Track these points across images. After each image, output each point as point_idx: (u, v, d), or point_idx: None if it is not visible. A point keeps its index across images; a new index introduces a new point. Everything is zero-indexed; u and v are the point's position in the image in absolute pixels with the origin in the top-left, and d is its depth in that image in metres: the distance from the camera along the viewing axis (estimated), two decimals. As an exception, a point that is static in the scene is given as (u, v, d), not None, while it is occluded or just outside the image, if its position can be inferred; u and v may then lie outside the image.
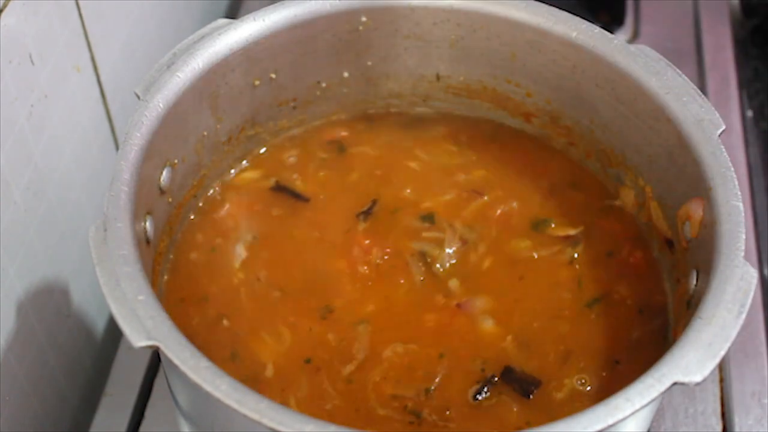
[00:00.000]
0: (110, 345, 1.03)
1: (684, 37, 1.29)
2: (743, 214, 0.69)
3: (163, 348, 0.61)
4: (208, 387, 0.59)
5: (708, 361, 0.61)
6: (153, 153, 0.74)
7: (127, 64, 1.02)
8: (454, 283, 0.79)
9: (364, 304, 0.78)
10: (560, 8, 0.84)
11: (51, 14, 0.84)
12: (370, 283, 0.80)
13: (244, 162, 0.89)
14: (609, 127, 0.84)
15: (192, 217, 0.84)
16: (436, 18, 0.87)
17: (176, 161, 0.80)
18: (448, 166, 0.89)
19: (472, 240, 0.83)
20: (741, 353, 0.96)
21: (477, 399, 0.72)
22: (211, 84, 0.81)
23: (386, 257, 0.81)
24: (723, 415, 0.91)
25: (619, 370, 0.74)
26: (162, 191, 0.78)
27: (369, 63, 0.90)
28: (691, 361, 0.61)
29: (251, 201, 0.86)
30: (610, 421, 0.59)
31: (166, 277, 0.80)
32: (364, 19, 0.86)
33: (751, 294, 0.65)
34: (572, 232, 0.83)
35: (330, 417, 0.71)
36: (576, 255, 0.81)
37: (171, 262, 0.81)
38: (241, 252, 0.82)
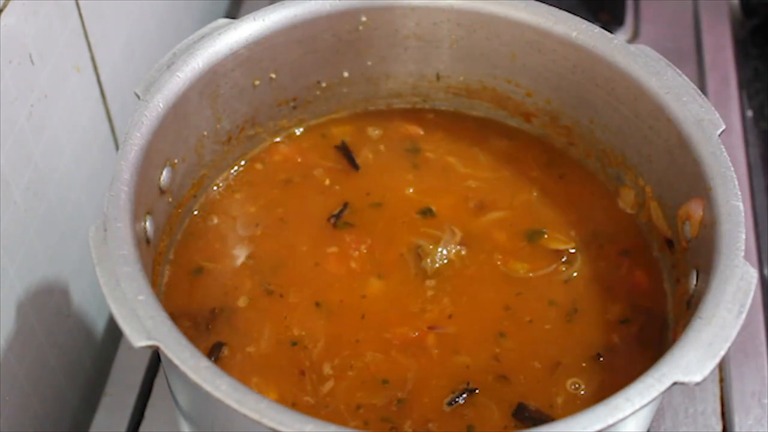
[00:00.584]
0: (110, 345, 1.03)
1: (684, 37, 1.29)
2: (743, 214, 0.69)
3: (163, 348, 0.61)
4: (208, 387, 0.59)
5: (708, 361, 0.61)
6: (153, 153, 0.74)
7: (127, 64, 1.02)
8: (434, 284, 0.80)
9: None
10: (560, 8, 0.84)
11: (51, 14, 0.84)
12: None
13: (243, 162, 0.89)
14: (609, 127, 0.84)
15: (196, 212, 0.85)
16: (436, 18, 0.87)
17: (176, 161, 0.80)
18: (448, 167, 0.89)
19: (466, 242, 0.83)
20: (741, 353, 0.96)
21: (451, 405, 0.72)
22: (211, 84, 0.81)
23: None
24: (723, 415, 0.91)
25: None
26: (162, 191, 0.78)
27: (369, 63, 0.90)
28: (691, 361, 0.61)
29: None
30: (610, 421, 0.59)
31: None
32: (364, 19, 0.86)
33: (751, 294, 0.65)
34: (566, 247, 0.82)
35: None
36: (575, 274, 0.81)
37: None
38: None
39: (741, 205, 0.69)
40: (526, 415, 0.71)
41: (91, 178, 0.96)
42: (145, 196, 0.73)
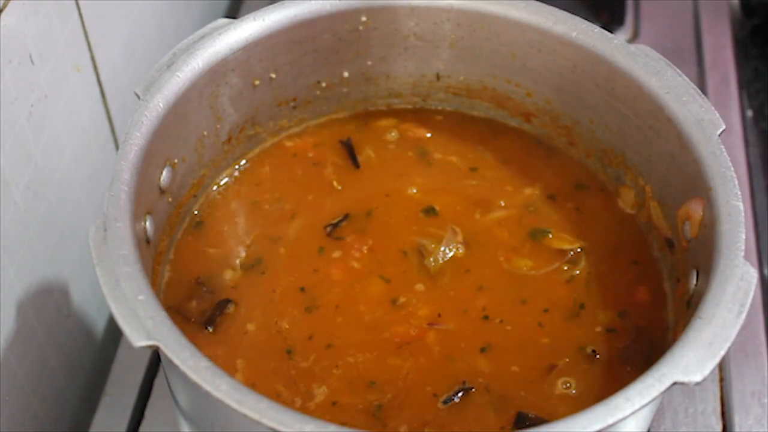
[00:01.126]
0: (110, 345, 1.03)
1: (684, 37, 1.29)
2: (743, 214, 0.69)
3: (163, 348, 0.61)
4: (208, 387, 0.59)
5: (708, 360, 0.61)
6: (153, 153, 0.74)
7: (127, 64, 1.02)
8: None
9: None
10: (560, 8, 0.84)
11: (51, 14, 0.84)
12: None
13: (243, 161, 0.89)
14: (609, 127, 0.84)
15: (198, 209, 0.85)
16: (436, 18, 0.87)
17: (176, 161, 0.80)
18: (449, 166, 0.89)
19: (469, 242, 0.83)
20: (741, 353, 0.96)
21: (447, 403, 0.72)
22: (211, 84, 0.81)
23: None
24: (723, 414, 0.91)
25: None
26: (162, 191, 0.78)
27: (369, 63, 0.90)
28: (691, 360, 0.61)
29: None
30: (610, 421, 0.59)
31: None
32: (364, 18, 0.86)
33: (751, 294, 0.65)
34: (570, 247, 0.82)
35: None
36: (577, 272, 0.81)
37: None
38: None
39: (741, 205, 0.69)
40: (526, 423, 0.71)
41: (91, 178, 0.96)
42: (145, 196, 0.73)
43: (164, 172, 0.78)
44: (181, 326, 0.63)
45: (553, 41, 0.84)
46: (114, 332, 1.04)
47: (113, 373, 0.96)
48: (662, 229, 0.80)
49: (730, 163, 0.72)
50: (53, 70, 0.85)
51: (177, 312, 0.77)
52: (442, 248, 0.81)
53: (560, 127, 0.89)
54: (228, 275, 0.80)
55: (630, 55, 0.80)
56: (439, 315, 0.78)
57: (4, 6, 0.76)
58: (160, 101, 0.75)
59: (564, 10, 0.84)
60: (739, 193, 0.70)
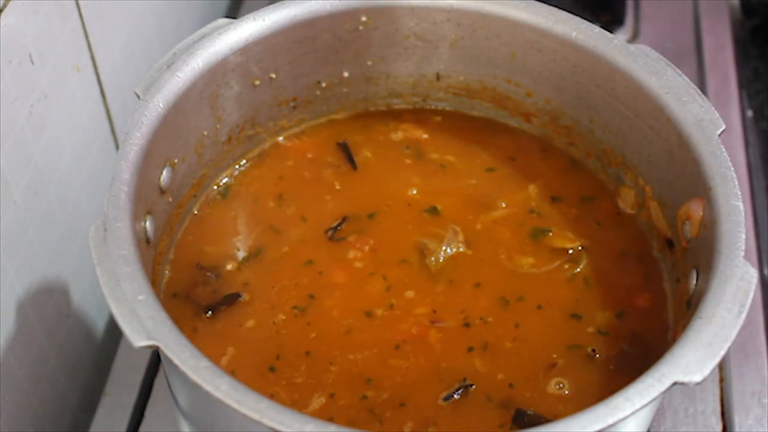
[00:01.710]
0: (110, 345, 1.03)
1: (684, 37, 1.29)
2: (743, 214, 0.69)
3: (163, 348, 0.61)
4: (208, 387, 0.59)
5: (708, 361, 0.61)
6: (153, 153, 0.74)
7: (127, 64, 1.02)
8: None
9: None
10: (560, 8, 0.84)
11: (51, 14, 0.84)
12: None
13: (243, 161, 0.89)
14: (609, 127, 0.84)
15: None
16: (436, 18, 0.87)
17: (176, 161, 0.80)
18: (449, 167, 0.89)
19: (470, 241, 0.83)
20: (741, 353, 0.96)
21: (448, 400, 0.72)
22: (211, 84, 0.81)
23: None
24: (723, 415, 0.91)
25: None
26: (162, 191, 0.78)
27: (369, 63, 0.90)
28: (691, 361, 0.61)
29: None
30: (610, 421, 0.59)
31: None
32: (364, 18, 0.86)
33: (751, 294, 0.65)
34: (571, 245, 0.82)
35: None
36: (577, 270, 0.81)
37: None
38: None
39: (741, 205, 0.69)
40: (525, 420, 0.71)
41: (91, 178, 0.96)
42: (145, 196, 0.73)
43: (164, 172, 0.78)
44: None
45: (553, 41, 0.84)
46: (114, 332, 1.04)
47: (113, 373, 0.96)
48: (662, 229, 0.80)
49: (730, 163, 0.72)
50: (53, 70, 0.85)
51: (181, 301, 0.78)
52: (444, 247, 0.81)
53: (560, 127, 0.89)
54: (227, 276, 0.80)
55: (630, 55, 0.80)
56: (435, 311, 0.78)
57: (4, 6, 0.76)
58: (160, 101, 0.75)
59: (564, 10, 0.84)
60: (739, 193, 0.70)
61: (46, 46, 0.84)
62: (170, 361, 0.60)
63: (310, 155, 0.90)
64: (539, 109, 0.90)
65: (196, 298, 0.78)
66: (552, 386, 0.73)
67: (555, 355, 0.75)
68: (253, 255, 0.82)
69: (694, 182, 0.73)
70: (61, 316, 0.92)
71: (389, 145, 0.91)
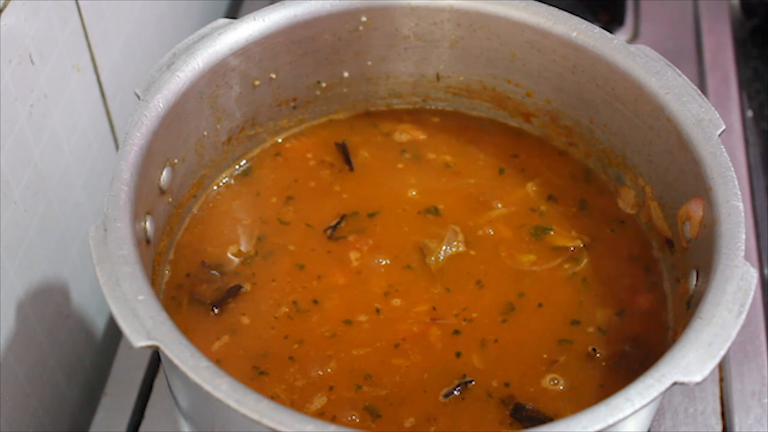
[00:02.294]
0: (110, 345, 1.03)
1: (684, 37, 1.29)
2: (743, 214, 0.69)
3: (163, 348, 0.61)
4: (208, 387, 0.59)
5: (708, 361, 0.61)
6: (153, 153, 0.74)
7: (127, 64, 1.02)
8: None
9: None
10: (560, 8, 0.84)
11: (51, 14, 0.84)
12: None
13: (243, 162, 0.89)
14: (609, 127, 0.84)
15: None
16: (436, 18, 0.87)
17: (176, 161, 0.80)
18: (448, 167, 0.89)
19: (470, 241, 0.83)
20: (741, 353, 0.96)
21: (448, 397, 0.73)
22: (211, 84, 0.81)
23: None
24: (723, 414, 0.91)
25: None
26: (162, 191, 0.78)
27: (369, 63, 0.90)
28: (691, 361, 0.61)
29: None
30: (610, 421, 0.59)
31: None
32: (364, 19, 0.86)
33: (751, 294, 0.65)
34: (572, 244, 0.82)
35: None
36: (577, 269, 0.81)
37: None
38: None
39: (741, 205, 0.69)
40: (523, 414, 0.71)
41: (91, 178, 0.96)
42: (145, 196, 0.73)
43: (164, 172, 0.78)
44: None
45: (553, 41, 0.84)
46: (114, 332, 1.04)
47: (113, 373, 0.96)
48: (662, 229, 0.80)
49: (730, 163, 0.72)
50: (53, 70, 0.85)
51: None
52: (444, 247, 0.82)
53: (560, 127, 0.89)
54: (227, 276, 0.81)
55: (630, 55, 0.80)
56: (435, 309, 0.78)
57: (4, 6, 0.76)
58: (160, 101, 0.75)
59: (564, 10, 0.84)
60: (739, 193, 0.70)
61: (46, 46, 0.84)
62: (170, 361, 0.60)
63: (309, 155, 0.90)
64: (539, 109, 0.90)
65: (201, 296, 0.78)
66: (552, 384, 0.73)
67: (555, 353, 0.75)
68: (254, 254, 0.82)
69: (694, 182, 0.73)
70: (61, 316, 0.92)
71: (388, 146, 0.91)
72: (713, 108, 0.75)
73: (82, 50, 0.92)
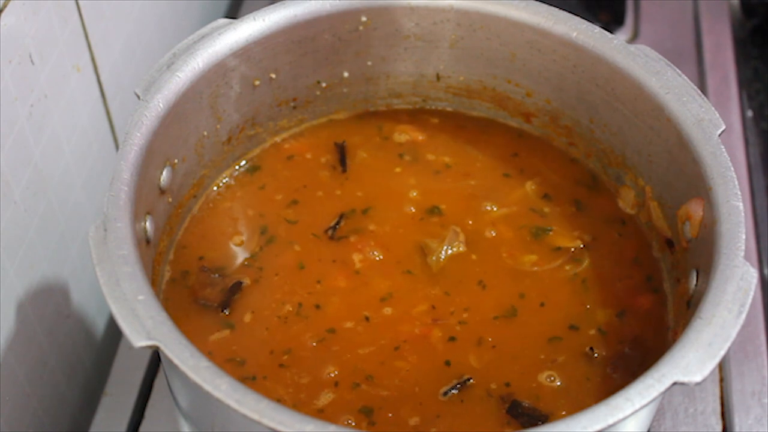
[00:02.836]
0: (110, 345, 1.03)
1: (684, 37, 1.29)
2: (743, 214, 0.69)
3: (163, 348, 0.61)
4: (208, 387, 0.59)
5: (708, 361, 0.61)
6: (153, 153, 0.74)
7: (127, 64, 1.02)
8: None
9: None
10: (560, 8, 0.84)
11: (51, 14, 0.84)
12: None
13: (243, 162, 0.89)
14: (609, 127, 0.84)
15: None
16: (436, 18, 0.87)
17: (176, 161, 0.80)
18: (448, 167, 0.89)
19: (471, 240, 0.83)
20: (741, 353, 0.96)
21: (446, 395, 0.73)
22: (211, 84, 0.81)
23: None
24: (723, 414, 0.91)
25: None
26: (162, 191, 0.78)
27: (369, 63, 0.90)
28: (691, 361, 0.61)
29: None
30: (611, 421, 0.59)
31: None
32: (364, 19, 0.86)
33: (751, 294, 0.65)
34: (572, 244, 0.82)
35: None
36: (578, 270, 0.81)
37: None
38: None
39: (741, 205, 0.69)
40: (519, 411, 0.71)
41: (91, 178, 0.96)
42: (145, 196, 0.73)
43: (164, 172, 0.78)
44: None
45: (553, 41, 0.84)
46: (114, 332, 1.04)
47: (113, 373, 0.96)
48: (662, 229, 0.80)
49: (730, 163, 0.72)
50: (53, 70, 0.85)
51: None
52: (444, 247, 0.82)
53: (560, 127, 0.89)
54: (228, 276, 0.81)
55: (630, 55, 0.80)
56: (434, 307, 0.78)
57: (4, 6, 0.76)
58: (160, 101, 0.75)
59: (564, 10, 0.84)
60: (739, 193, 0.70)
61: (46, 46, 0.84)
62: (170, 361, 0.61)
63: (309, 155, 0.90)
64: (539, 109, 0.90)
65: (206, 299, 0.78)
66: (552, 383, 0.73)
67: (555, 353, 0.75)
68: (255, 254, 0.82)
69: (694, 182, 0.73)
70: (61, 316, 0.92)
71: (387, 147, 0.91)
72: (713, 108, 0.75)
73: (82, 50, 0.92)
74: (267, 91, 0.87)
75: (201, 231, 0.84)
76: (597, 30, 0.82)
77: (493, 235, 0.83)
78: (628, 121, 0.82)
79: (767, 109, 1.24)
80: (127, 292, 0.63)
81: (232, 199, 0.86)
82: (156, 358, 0.96)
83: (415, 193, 0.87)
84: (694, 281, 0.72)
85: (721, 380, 0.94)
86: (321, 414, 0.72)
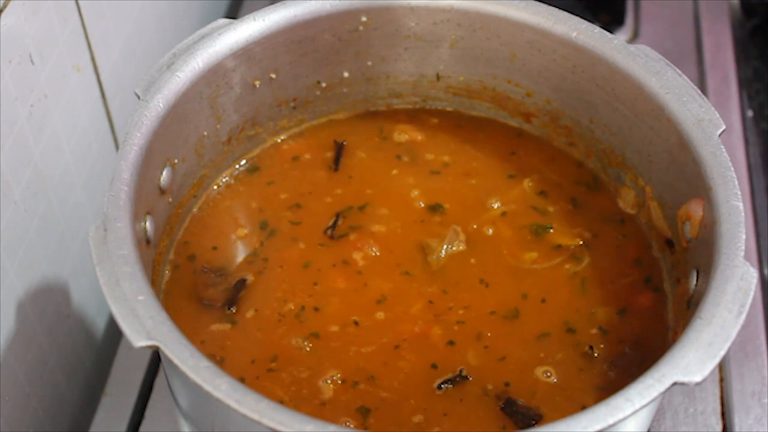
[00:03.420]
0: (110, 345, 1.03)
1: (684, 37, 1.29)
2: (743, 214, 0.69)
3: (163, 348, 0.61)
4: (208, 387, 0.59)
5: (708, 361, 0.61)
6: (153, 153, 0.74)
7: (127, 64, 1.02)
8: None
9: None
10: (560, 8, 0.84)
11: (51, 14, 0.84)
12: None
13: (243, 162, 0.89)
14: (609, 127, 0.84)
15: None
16: (436, 18, 0.87)
17: (176, 161, 0.80)
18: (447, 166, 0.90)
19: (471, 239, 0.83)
20: (741, 353, 0.96)
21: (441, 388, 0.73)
22: (211, 84, 0.81)
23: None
24: (723, 414, 0.91)
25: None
26: (162, 191, 0.78)
27: (369, 63, 0.90)
28: (691, 361, 0.61)
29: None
30: (611, 421, 0.59)
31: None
32: (364, 19, 0.86)
33: (751, 294, 0.65)
34: (572, 242, 0.83)
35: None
36: (578, 268, 0.81)
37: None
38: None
39: (741, 205, 0.69)
40: (514, 409, 0.72)
41: (91, 178, 0.96)
42: (145, 196, 0.73)
43: (164, 172, 0.78)
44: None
45: (553, 41, 0.84)
46: (114, 332, 1.04)
47: (113, 373, 0.96)
48: (662, 229, 0.80)
49: (730, 163, 0.72)
50: (53, 70, 0.85)
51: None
52: (445, 246, 0.82)
53: (560, 127, 0.89)
54: (228, 276, 0.81)
55: (630, 55, 0.80)
56: (433, 302, 0.78)
57: (4, 6, 0.76)
58: (160, 101, 0.75)
59: (564, 10, 0.84)
60: (739, 193, 0.70)
61: (46, 46, 0.84)
62: (170, 361, 0.61)
63: (309, 155, 0.90)
64: (539, 109, 0.90)
65: (210, 299, 0.78)
66: (551, 382, 0.73)
67: (554, 351, 0.75)
68: (256, 252, 0.82)
69: (694, 182, 0.73)
70: (61, 316, 0.92)
71: (387, 146, 0.91)
72: (713, 108, 0.75)
73: (82, 50, 0.92)
74: (267, 91, 0.87)
75: (201, 231, 0.84)
76: (597, 30, 0.82)
77: (494, 232, 0.84)
78: (628, 121, 0.82)
79: (767, 109, 1.24)
80: (127, 292, 0.63)
81: (232, 199, 0.86)
82: (156, 358, 0.96)
83: (415, 193, 0.87)
84: (694, 281, 0.72)
85: (721, 380, 0.94)
86: (322, 407, 0.72)
